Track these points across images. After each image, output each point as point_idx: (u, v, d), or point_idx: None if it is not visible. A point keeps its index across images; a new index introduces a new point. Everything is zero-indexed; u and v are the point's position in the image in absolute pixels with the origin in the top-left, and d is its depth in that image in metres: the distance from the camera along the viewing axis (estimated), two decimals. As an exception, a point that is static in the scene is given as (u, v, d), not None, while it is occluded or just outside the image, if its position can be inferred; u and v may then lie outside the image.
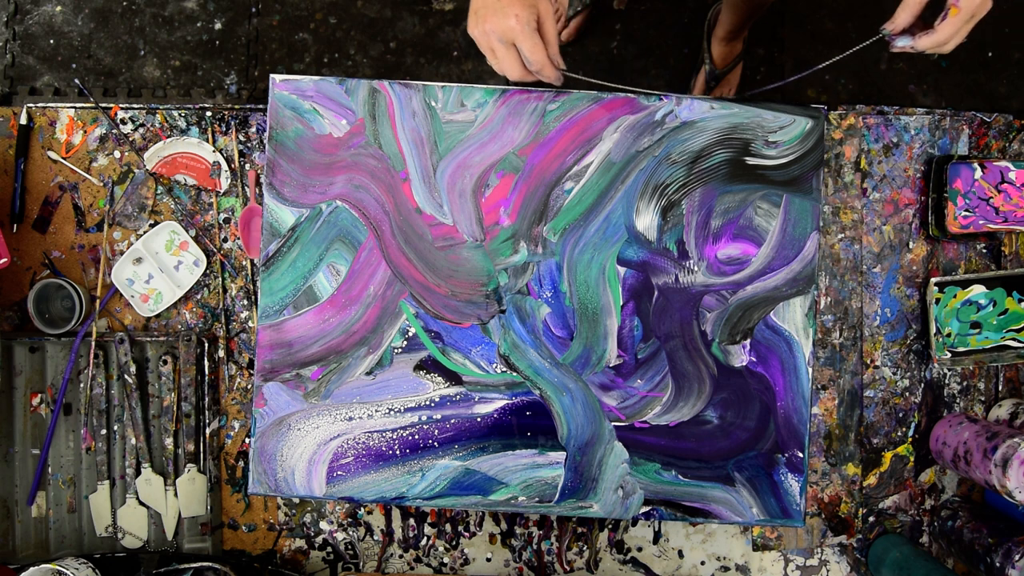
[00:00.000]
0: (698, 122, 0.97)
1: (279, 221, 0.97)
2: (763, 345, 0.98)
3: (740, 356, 0.98)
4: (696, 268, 0.98)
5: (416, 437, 0.98)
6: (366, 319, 0.98)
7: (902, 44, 0.79)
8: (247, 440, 1.13)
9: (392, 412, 0.98)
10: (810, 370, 0.98)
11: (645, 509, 0.98)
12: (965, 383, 1.15)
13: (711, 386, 0.98)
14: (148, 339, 1.11)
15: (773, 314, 0.98)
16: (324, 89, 0.98)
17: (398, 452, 0.98)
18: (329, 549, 1.14)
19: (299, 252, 0.98)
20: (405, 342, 0.98)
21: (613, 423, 0.98)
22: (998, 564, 1.00)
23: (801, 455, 0.98)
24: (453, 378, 0.98)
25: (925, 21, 0.78)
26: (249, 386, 1.13)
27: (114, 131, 1.14)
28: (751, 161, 0.98)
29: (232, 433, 1.14)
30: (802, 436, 0.98)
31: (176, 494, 1.10)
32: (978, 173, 1.09)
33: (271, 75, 0.98)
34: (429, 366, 0.98)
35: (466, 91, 0.97)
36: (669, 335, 0.98)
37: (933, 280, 1.11)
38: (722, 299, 0.98)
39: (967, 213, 1.10)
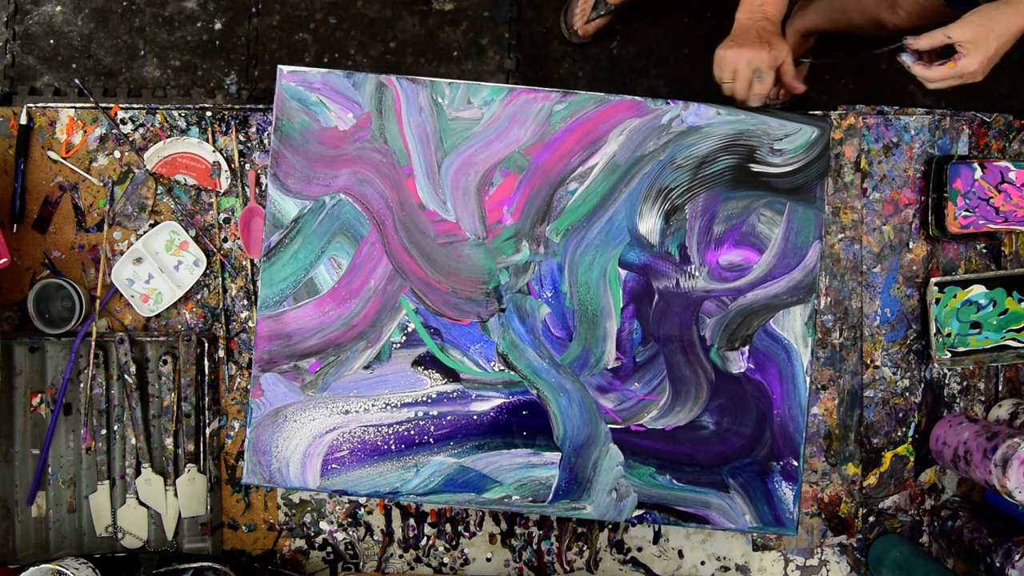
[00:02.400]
0: (704, 127, 0.97)
1: (282, 212, 0.97)
2: (762, 352, 0.98)
3: (738, 363, 0.98)
4: (697, 273, 0.98)
5: (412, 433, 0.97)
6: (366, 313, 0.98)
7: (906, 59, 0.96)
8: (247, 440, 1.13)
9: (389, 407, 0.97)
10: (808, 379, 0.98)
11: (638, 512, 0.98)
12: (965, 383, 1.15)
13: (708, 391, 0.98)
14: (148, 339, 1.11)
15: (773, 322, 0.98)
16: (331, 82, 0.98)
17: (393, 447, 0.97)
18: (329, 549, 1.14)
19: (301, 244, 0.98)
20: (404, 337, 0.98)
21: (609, 425, 0.98)
22: (998, 564, 1.00)
23: (796, 464, 0.97)
24: (451, 375, 0.98)
25: (933, 55, 0.96)
26: (250, 386, 1.13)
27: (114, 131, 1.14)
28: (756, 168, 0.98)
29: (232, 433, 1.14)
30: (797, 445, 0.98)
31: (176, 494, 1.10)
32: (978, 173, 1.09)
33: (279, 66, 0.98)
34: (427, 362, 0.98)
35: (473, 88, 0.97)
36: (668, 339, 0.98)
37: (933, 280, 1.11)
38: (722, 305, 0.98)
39: (967, 213, 1.10)
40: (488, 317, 0.98)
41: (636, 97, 0.97)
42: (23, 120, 1.12)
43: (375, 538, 1.14)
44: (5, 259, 1.04)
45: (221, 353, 1.13)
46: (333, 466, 0.97)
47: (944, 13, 1.09)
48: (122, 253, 1.12)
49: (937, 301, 1.11)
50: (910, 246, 1.14)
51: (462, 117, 0.97)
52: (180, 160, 1.13)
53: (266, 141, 1.14)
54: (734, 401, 0.98)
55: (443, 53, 1.70)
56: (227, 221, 1.14)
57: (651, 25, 1.72)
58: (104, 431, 1.10)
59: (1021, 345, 1.12)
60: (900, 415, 1.14)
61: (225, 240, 1.14)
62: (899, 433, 1.14)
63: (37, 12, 1.53)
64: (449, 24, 1.71)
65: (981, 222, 1.10)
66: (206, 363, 1.10)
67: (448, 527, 1.14)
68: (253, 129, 1.14)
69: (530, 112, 0.97)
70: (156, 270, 1.11)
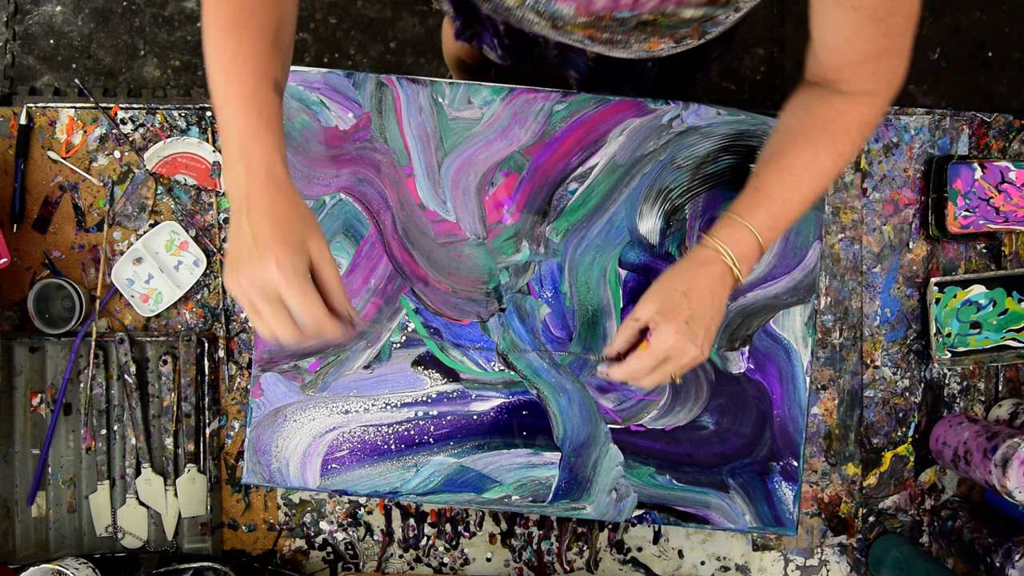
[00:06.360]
0: (704, 127, 0.97)
1: None
2: (761, 352, 0.98)
3: (738, 363, 0.98)
4: (697, 271, 0.98)
5: (412, 433, 0.98)
6: (365, 313, 0.98)
7: (601, 368, 0.76)
8: (247, 440, 1.13)
9: (389, 407, 0.98)
10: (808, 379, 0.98)
11: (638, 513, 0.98)
12: (965, 383, 1.15)
13: (708, 392, 0.98)
14: (148, 339, 1.11)
15: (773, 322, 0.98)
16: (331, 82, 0.98)
17: (393, 447, 0.97)
18: (329, 549, 1.14)
19: None
20: (404, 337, 0.98)
21: (609, 425, 0.98)
22: (998, 564, 1.00)
23: (796, 464, 0.97)
24: (451, 375, 0.98)
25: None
26: (249, 386, 1.13)
27: (114, 131, 1.14)
28: None
29: (232, 433, 1.13)
30: (797, 445, 0.98)
31: (176, 494, 1.10)
32: (978, 173, 1.09)
33: None
34: (427, 362, 0.98)
35: (473, 88, 0.97)
36: (669, 336, 0.98)
37: (933, 280, 1.11)
38: None
39: (967, 213, 1.10)
40: (488, 317, 0.98)
41: (636, 97, 0.97)
42: (23, 120, 1.12)
43: (375, 538, 1.14)
44: (5, 259, 1.04)
45: (221, 353, 1.13)
46: (333, 466, 0.97)
47: None
48: (122, 253, 1.12)
49: (937, 301, 1.11)
50: (910, 246, 1.14)
51: (462, 117, 0.98)
52: (180, 160, 1.13)
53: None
54: (734, 401, 0.98)
55: (443, 53, 1.69)
56: (227, 221, 1.14)
57: (651, 25, 1.71)
58: (104, 431, 1.10)
59: (1021, 345, 1.12)
60: (900, 415, 1.14)
61: (225, 240, 1.14)
62: (899, 433, 1.14)
63: (37, 12, 1.53)
64: (449, 24, 1.70)
65: (981, 222, 1.10)
66: (206, 363, 1.10)
67: (448, 527, 1.14)
68: (253, 129, 1.14)
69: (530, 112, 0.97)
70: (156, 270, 1.11)
